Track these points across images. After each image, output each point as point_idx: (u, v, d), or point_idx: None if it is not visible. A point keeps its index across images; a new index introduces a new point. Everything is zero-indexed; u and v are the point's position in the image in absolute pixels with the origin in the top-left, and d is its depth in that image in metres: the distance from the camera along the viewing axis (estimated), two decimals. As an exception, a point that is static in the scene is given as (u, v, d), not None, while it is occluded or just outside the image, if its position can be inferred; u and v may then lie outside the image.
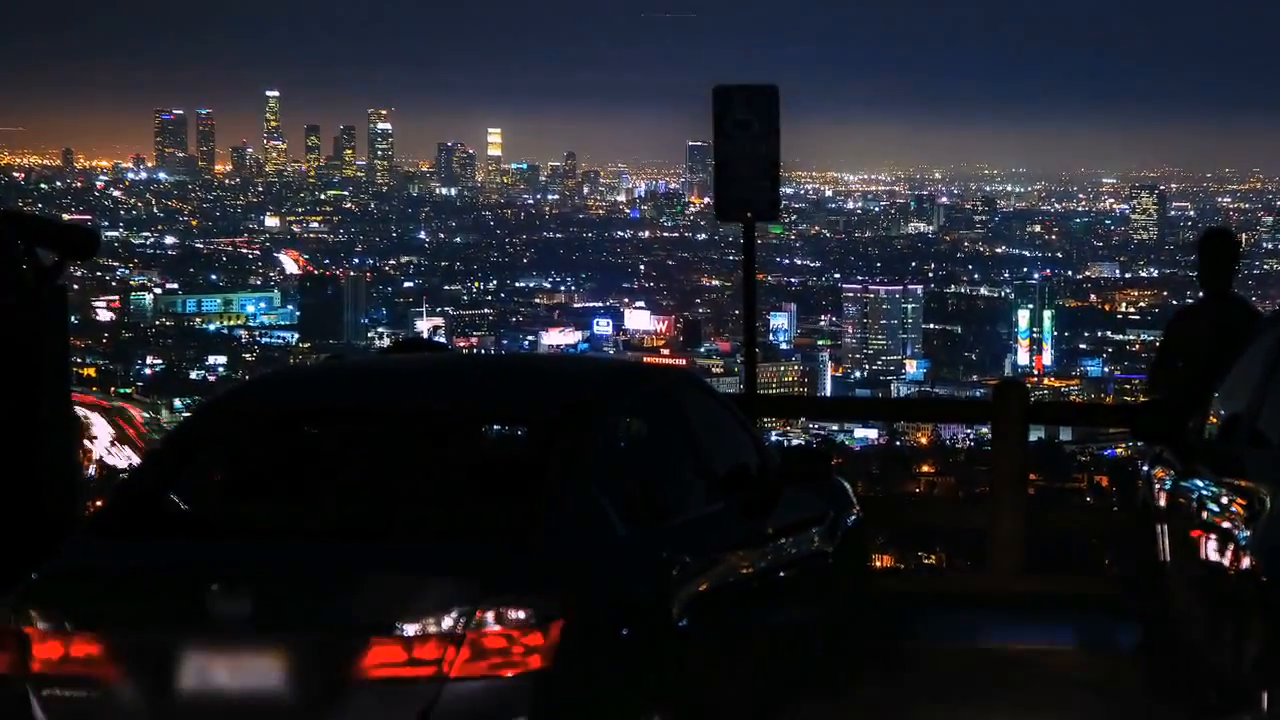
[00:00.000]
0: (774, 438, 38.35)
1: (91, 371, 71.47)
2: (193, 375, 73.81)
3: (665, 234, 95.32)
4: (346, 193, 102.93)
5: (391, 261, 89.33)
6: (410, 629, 5.89)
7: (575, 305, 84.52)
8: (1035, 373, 74.69)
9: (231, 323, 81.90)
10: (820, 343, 79.80)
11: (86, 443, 55.30)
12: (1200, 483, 8.38)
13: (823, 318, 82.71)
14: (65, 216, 68.36)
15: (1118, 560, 18.63)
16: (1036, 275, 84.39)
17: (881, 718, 9.12)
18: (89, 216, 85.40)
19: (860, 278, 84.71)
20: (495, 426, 8.28)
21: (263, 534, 6.49)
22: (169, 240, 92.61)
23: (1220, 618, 7.64)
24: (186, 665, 6.02)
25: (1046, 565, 14.18)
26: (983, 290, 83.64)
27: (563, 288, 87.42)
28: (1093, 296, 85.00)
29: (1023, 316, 78.01)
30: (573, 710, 6.05)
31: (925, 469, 45.14)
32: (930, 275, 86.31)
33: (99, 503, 8.79)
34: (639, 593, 6.64)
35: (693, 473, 7.66)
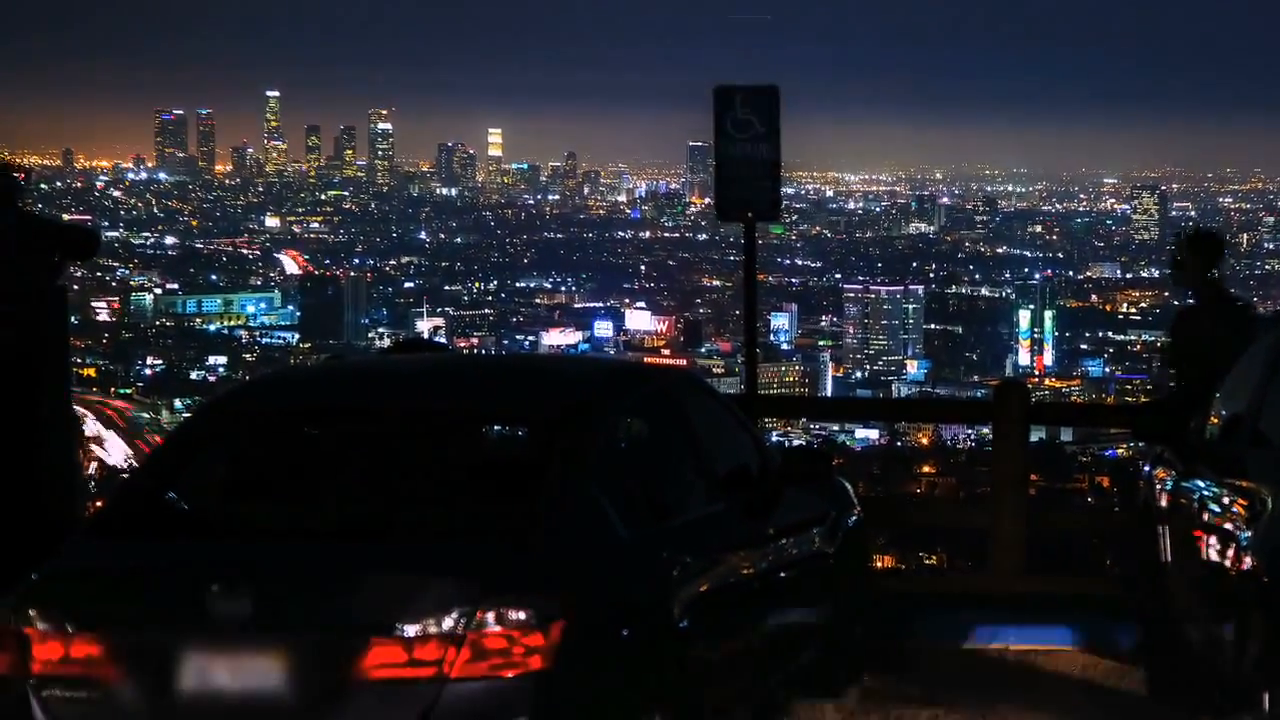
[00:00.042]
0: (775, 438, 38.33)
1: (91, 372, 71.47)
2: (193, 376, 73.83)
3: (666, 234, 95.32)
4: (347, 193, 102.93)
5: (392, 262, 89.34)
6: (411, 629, 5.88)
7: (576, 305, 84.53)
8: (1036, 373, 74.70)
9: (232, 323, 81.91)
10: (821, 343, 79.80)
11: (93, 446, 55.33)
12: (1201, 483, 8.37)
13: (824, 318, 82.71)
14: (65, 217, 68.32)
15: (1119, 561, 18.63)
16: (1037, 275, 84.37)
17: (882, 718, 9.11)
18: (89, 217, 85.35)
19: (861, 278, 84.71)
20: (496, 427, 8.28)
21: (263, 534, 6.49)
22: (169, 240, 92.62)
23: (1221, 618, 7.63)
24: (187, 666, 6.01)
25: (1047, 566, 14.17)
26: (984, 290, 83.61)
27: (563, 288, 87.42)
28: (1094, 297, 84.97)
29: (1024, 317, 78.01)
30: (573, 711, 6.04)
31: (926, 469, 45.14)
32: (931, 275, 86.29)
33: (99, 503, 8.80)
34: (639, 593, 6.64)
35: (693, 473, 7.66)
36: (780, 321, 79.37)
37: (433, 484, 6.86)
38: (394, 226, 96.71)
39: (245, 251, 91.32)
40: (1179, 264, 10.83)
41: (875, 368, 77.91)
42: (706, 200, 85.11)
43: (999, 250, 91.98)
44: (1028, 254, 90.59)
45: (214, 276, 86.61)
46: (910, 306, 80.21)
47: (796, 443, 34.63)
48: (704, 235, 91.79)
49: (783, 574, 8.18)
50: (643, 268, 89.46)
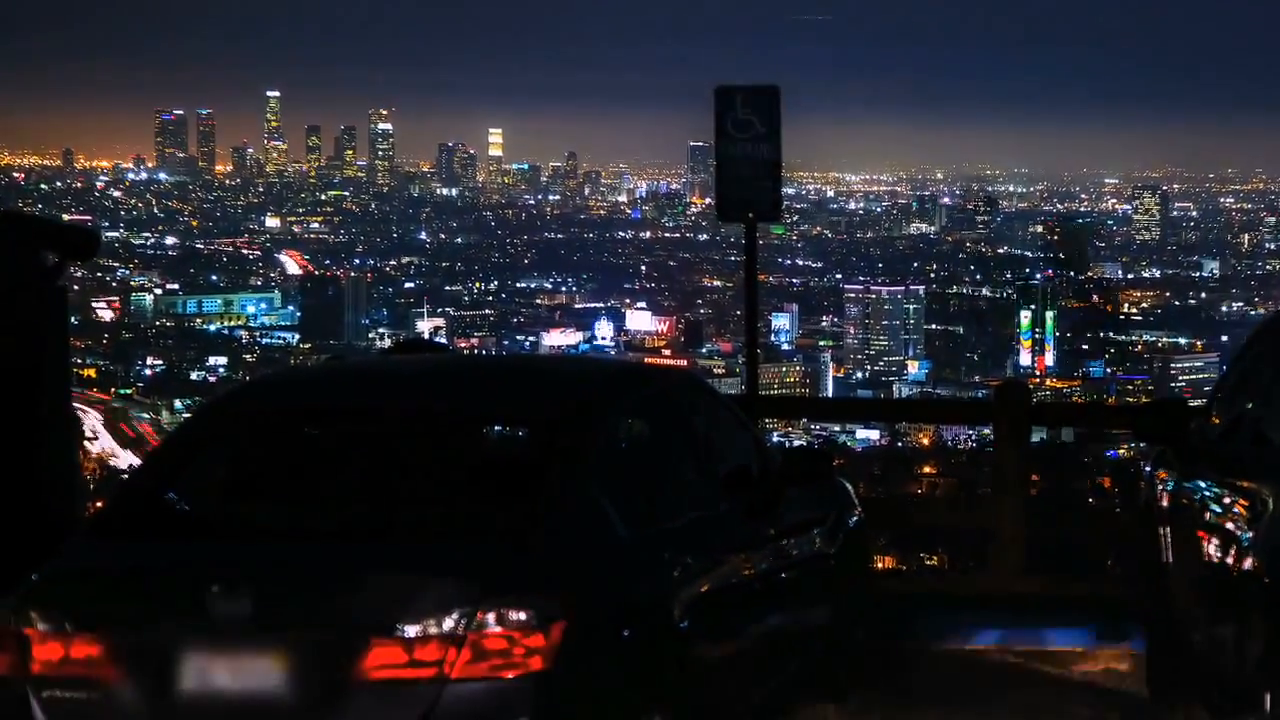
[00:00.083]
0: (776, 438, 38.37)
1: (92, 372, 71.54)
2: (193, 376, 73.92)
3: (666, 234, 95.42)
4: (347, 193, 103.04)
5: (392, 262, 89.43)
6: (411, 630, 5.88)
7: (576, 306, 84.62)
8: (1037, 373, 74.75)
9: (232, 323, 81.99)
10: (822, 343, 79.89)
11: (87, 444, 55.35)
12: (1203, 484, 8.36)
13: (824, 318, 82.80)
14: (65, 217, 68.38)
15: (1120, 561, 18.61)
16: (1038, 276, 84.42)
17: (882, 719, 9.11)
18: (89, 217, 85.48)
19: (862, 278, 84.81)
20: (496, 427, 8.27)
21: (263, 535, 6.48)
22: (169, 241, 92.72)
23: (1223, 619, 7.62)
24: (187, 666, 6.01)
25: (1048, 566, 14.13)
26: (985, 291, 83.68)
27: (564, 288, 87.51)
28: (1095, 297, 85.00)
29: (1025, 317, 78.06)
30: (574, 711, 6.04)
31: (927, 470, 45.14)
32: (932, 276, 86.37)
33: (99, 503, 8.79)
34: (640, 594, 6.63)
35: (694, 473, 7.65)
36: (781, 322, 79.45)
37: (433, 484, 6.86)
38: (394, 227, 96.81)
39: (245, 252, 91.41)
40: None
41: (876, 368, 78.00)
42: (707, 200, 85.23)
43: (1000, 250, 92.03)
44: (1029, 254, 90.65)
45: (214, 277, 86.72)
46: (911, 307, 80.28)
47: (797, 443, 34.65)
48: (705, 235, 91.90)
49: (783, 575, 8.17)
50: (643, 268, 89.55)
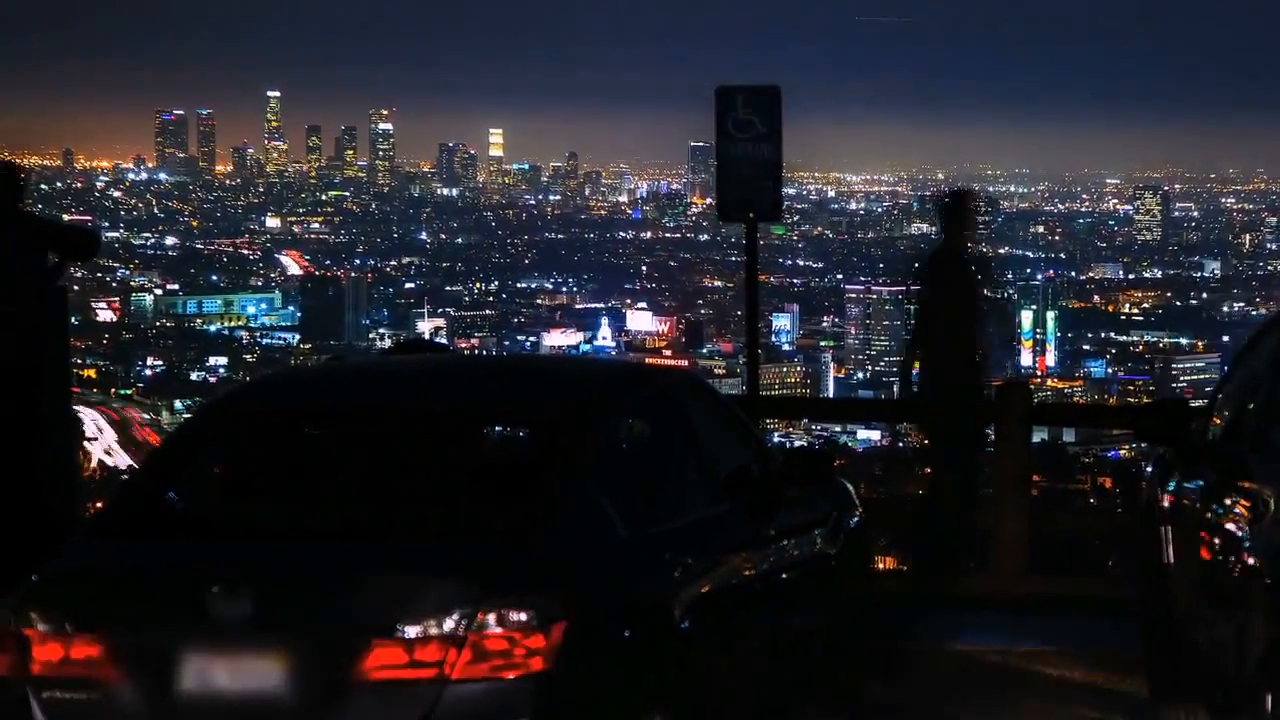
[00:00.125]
0: (776, 439, 38.31)
1: (92, 373, 71.47)
2: (193, 376, 73.82)
3: (667, 235, 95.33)
4: (348, 193, 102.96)
5: (393, 262, 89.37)
6: (411, 630, 5.88)
7: (577, 306, 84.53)
8: (1039, 374, 74.68)
9: (232, 324, 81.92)
10: (823, 344, 79.78)
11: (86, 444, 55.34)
12: (1204, 484, 8.35)
13: (825, 319, 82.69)
14: (65, 217, 68.33)
15: (1121, 562, 18.60)
16: (1040, 276, 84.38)
17: (883, 719, 9.10)
18: (89, 217, 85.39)
19: (863, 278, 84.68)
20: (496, 427, 8.27)
21: (263, 535, 6.48)
22: (169, 241, 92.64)
23: (1224, 619, 7.61)
24: (187, 667, 6.01)
25: (1050, 567, 14.14)
26: (985, 291, 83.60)
27: (564, 289, 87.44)
28: (1096, 298, 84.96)
29: (1026, 317, 78.01)
30: (574, 712, 6.03)
31: (928, 471, 44.98)
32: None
33: (99, 503, 8.79)
34: (641, 594, 6.63)
35: (695, 474, 7.64)
36: (782, 322, 79.38)
37: (433, 485, 6.86)
38: (395, 227, 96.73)
39: (246, 252, 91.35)
40: None
41: (877, 368, 77.89)
42: (708, 201, 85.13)
43: (1001, 251, 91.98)
44: (1030, 254, 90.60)
45: (214, 277, 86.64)
46: (912, 307, 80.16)
47: (798, 444, 34.64)
48: (705, 236, 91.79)
49: (784, 575, 8.16)
50: (644, 268, 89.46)
